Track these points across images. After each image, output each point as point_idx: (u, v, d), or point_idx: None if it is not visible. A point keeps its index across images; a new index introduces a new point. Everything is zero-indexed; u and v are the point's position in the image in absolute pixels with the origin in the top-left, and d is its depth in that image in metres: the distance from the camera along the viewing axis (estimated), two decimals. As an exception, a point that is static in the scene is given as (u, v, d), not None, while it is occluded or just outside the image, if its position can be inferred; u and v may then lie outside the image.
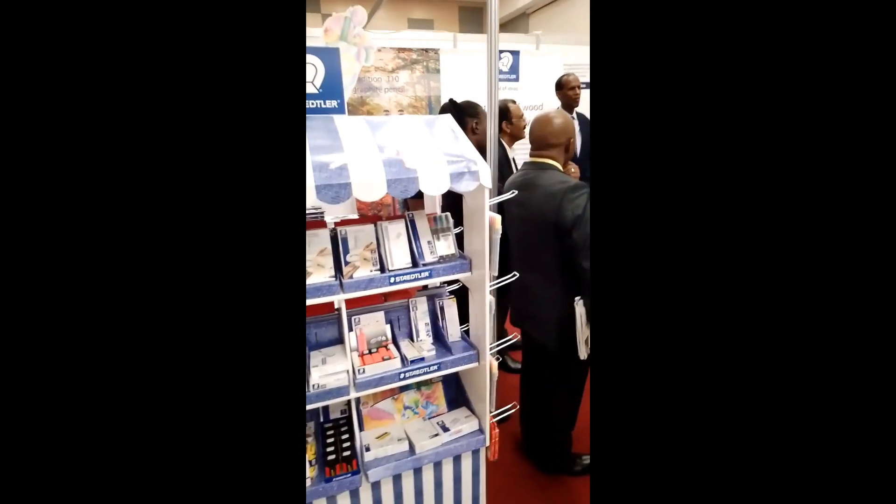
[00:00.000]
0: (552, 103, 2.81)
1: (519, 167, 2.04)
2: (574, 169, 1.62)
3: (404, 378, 1.09)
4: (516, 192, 1.20)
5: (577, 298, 1.35)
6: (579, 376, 1.56)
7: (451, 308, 1.22)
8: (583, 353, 1.39)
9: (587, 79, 3.51)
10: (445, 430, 1.19)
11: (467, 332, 1.26)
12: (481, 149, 1.46)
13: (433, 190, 0.90)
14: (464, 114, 1.71)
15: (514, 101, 2.06)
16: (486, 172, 0.94)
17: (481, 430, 1.22)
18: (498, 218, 1.00)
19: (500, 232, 1.00)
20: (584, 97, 2.70)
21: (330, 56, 0.88)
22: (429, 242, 1.12)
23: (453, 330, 1.22)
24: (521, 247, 1.46)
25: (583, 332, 1.37)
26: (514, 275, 1.19)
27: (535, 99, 3.24)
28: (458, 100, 1.88)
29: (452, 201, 1.27)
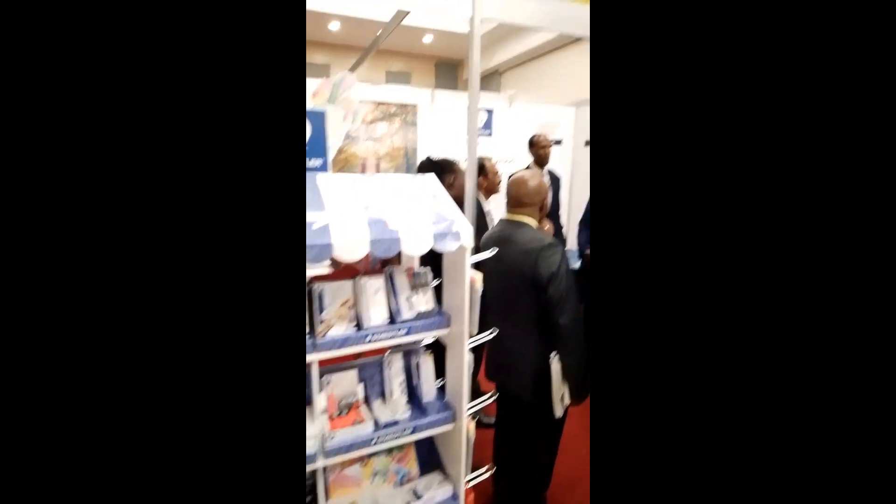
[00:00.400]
0: (525, 158, 2.95)
1: (494, 219, 2.09)
2: (548, 226, 1.68)
3: (377, 443, 1.03)
4: (496, 249, 1.22)
5: (552, 354, 1.35)
6: (556, 429, 1.53)
7: (426, 365, 1.19)
8: (558, 410, 1.38)
9: (557, 136, 3.73)
10: (418, 497, 1.13)
11: (442, 387, 1.22)
12: (458, 203, 1.50)
13: (415, 251, 0.90)
14: (441, 170, 1.77)
15: (489, 158, 2.15)
16: (467, 233, 0.96)
17: (455, 496, 1.15)
18: (479, 277, 1.01)
19: (481, 291, 1.01)
20: (554, 154, 2.85)
21: (316, 118, 0.90)
22: (407, 298, 1.11)
23: (428, 388, 1.18)
24: (498, 300, 1.47)
25: (558, 389, 1.36)
26: (493, 331, 1.19)
27: (509, 153, 3.40)
28: (435, 153, 1.94)
29: (431, 252, 1.28)
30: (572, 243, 3.10)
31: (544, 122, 3.75)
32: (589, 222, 2.55)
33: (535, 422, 1.46)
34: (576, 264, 2.65)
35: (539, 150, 2.65)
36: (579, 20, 1.55)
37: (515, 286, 1.38)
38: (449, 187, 1.83)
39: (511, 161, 3.39)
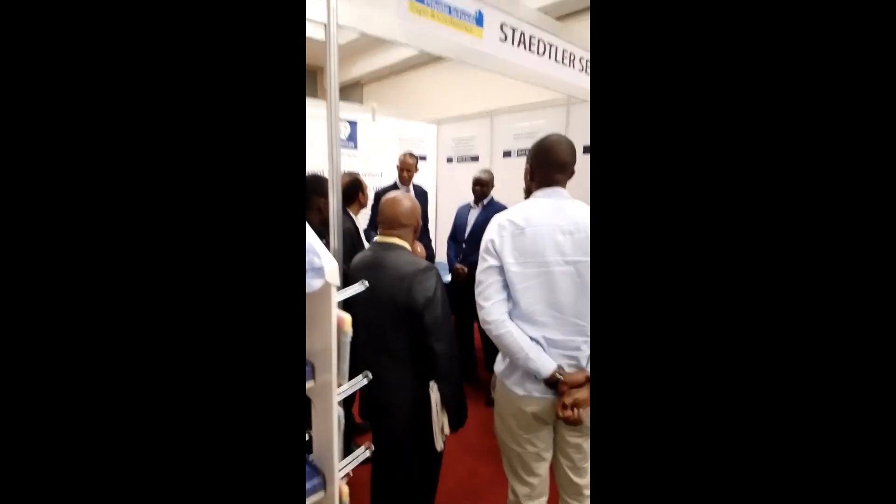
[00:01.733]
0: (391, 172, 2.88)
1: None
2: (420, 248, 1.62)
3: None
4: (366, 282, 1.10)
5: (430, 383, 1.28)
6: (437, 461, 1.47)
7: (288, 422, 0.99)
8: (439, 443, 1.31)
9: (421, 152, 3.78)
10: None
11: (307, 441, 1.04)
12: (328, 226, 1.33)
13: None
14: (310, 191, 1.49)
15: (358, 173, 2.02)
16: (332, 267, 0.82)
17: (329, 573, 0.98)
18: (347, 318, 0.87)
19: (350, 334, 0.87)
20: (420, 169, 2.85)
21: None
22: (258, 347, 0.91)
23: (291, 451, 0.99)
24: (369, 331, 1.34)
25: (438, 420, 1.30)
26: (366, 376, 1.06)
27: (375, 167, 3.29)
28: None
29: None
30: (441, 257, 3.15)
31: (408, 136, 3.76)
32: (457, 237, 2.61)
33: (415, 457, 1.37)
34: (446, 278, 2.69)
35: (402, 172, 2.61)
36: (438, 38, 1.54)
37: (389, 314, 1.28)
38: (318, 212, 1.62)
39: (380, 175, 3.30)
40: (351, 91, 7.38)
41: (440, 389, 1.27)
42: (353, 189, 1.89)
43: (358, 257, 1.39)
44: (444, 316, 1.25)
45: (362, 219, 2.15)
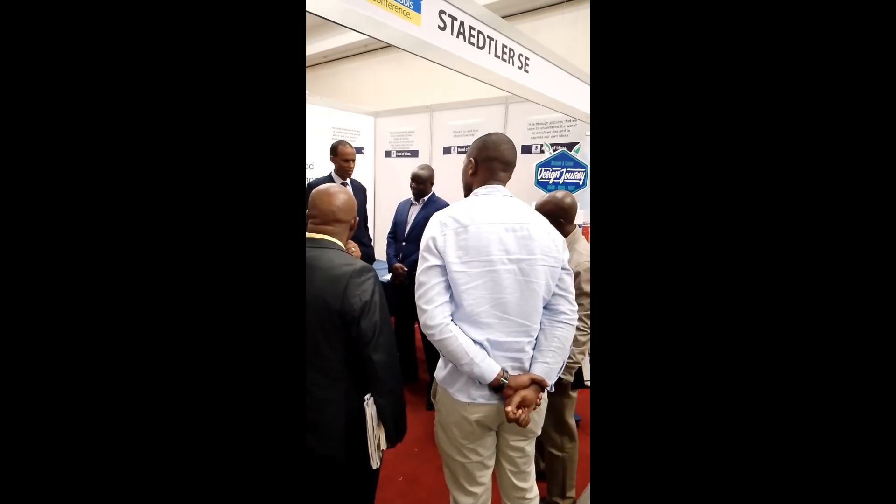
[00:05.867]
0: (322, 164, 2.69)
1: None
2: (354, 248, 1.48)
3: None
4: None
5: (367, 397, 1.17)
6: (374, 480, 1.36)
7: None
8: (375, 460, 1.21)
9: (358, 144, 3.60)
10: None
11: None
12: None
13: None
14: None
15: None
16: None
17: None
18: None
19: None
20: (358, 161, 2.70)
21: None
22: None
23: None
24: (297, 340, 1.20)
25: (374, 436, 1.19)
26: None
27: (307, 158, 3.07)
28: None
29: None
30: (381, 255, 3.02)
31: (342, 126, 3.57)
32: (397, 235, 2.50)
33: (350, 479, 1.25)
34: (385, 277, 2.56)
35: (342, 162, 2.44)
36: (374, 21, 1.42)
37: (321, 320, 1.14)
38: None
39: (311, 167, 3.08)
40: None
41: (377, 403, 1.17)
42: None
43: (284, 257, 1.24)
44: (382, 322, 1.14)
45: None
